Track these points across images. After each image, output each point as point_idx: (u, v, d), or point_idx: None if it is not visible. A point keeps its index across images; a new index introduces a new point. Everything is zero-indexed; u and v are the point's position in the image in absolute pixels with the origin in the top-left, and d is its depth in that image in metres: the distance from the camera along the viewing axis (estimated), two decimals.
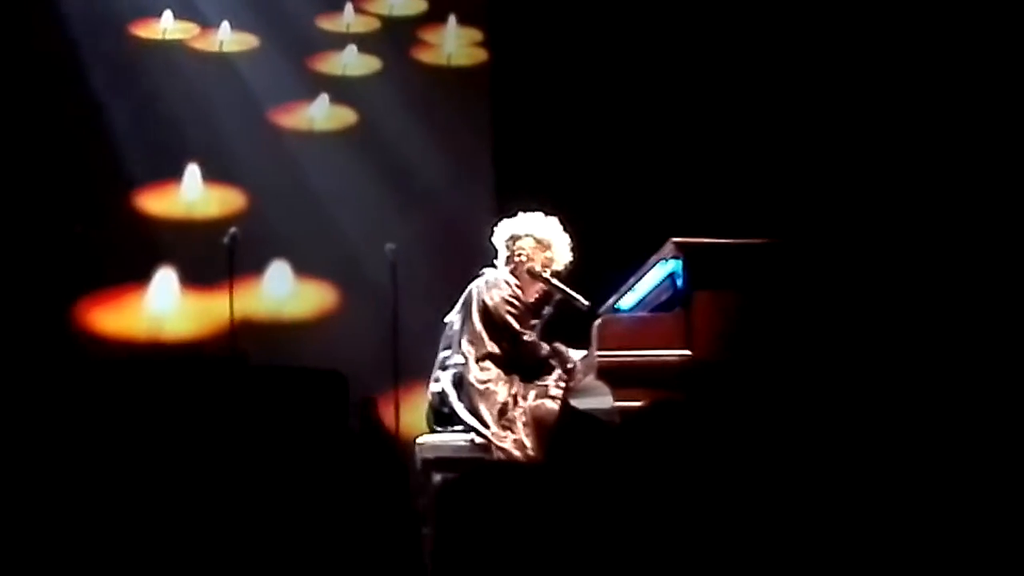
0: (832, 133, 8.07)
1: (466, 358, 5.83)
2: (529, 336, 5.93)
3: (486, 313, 5.90)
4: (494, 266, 6.10)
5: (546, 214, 6.16)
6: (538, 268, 6.04)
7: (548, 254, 6.07)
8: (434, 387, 5.94)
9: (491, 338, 5.86)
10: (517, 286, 5.99)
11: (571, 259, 6.13)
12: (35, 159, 8.33)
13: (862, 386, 5.05)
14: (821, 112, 8.10)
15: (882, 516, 4.69)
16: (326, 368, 7.71)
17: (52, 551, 6.46)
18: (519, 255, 6.05)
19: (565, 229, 6.18)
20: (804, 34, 8.21)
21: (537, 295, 6.09)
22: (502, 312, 5.90)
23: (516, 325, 5.90)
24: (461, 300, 6.02)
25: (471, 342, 5.87)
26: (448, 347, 5.98)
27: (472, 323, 5.89)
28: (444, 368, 5.94)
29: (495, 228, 6.16)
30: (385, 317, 7.41)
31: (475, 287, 5.99)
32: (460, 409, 5.77)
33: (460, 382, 5.83)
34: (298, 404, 7.43)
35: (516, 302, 5.95)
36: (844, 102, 8.10)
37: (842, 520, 4.58)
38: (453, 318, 6.01)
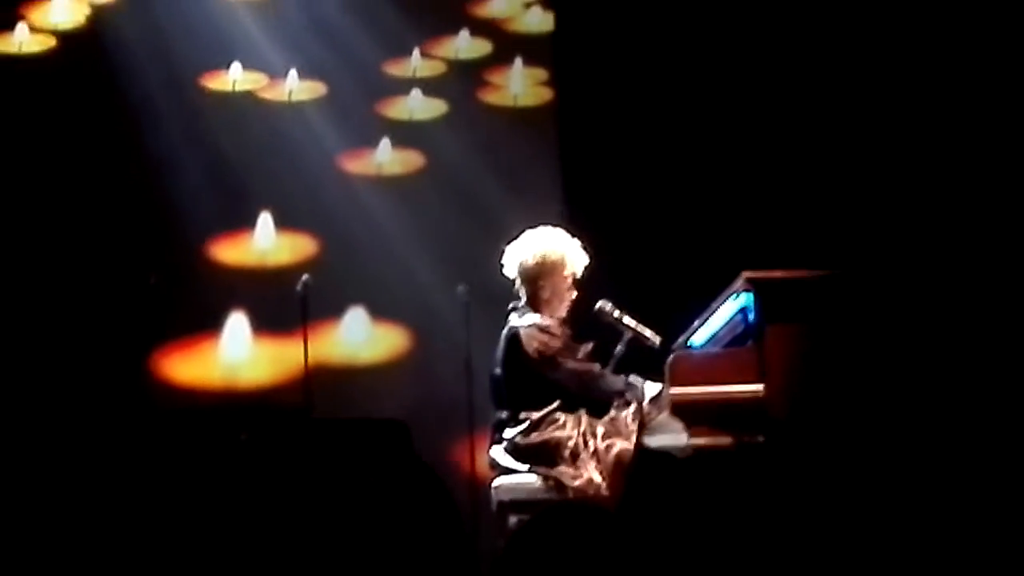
0: (907, 162, 7.99)
1: (524, 418, 5.67)
2: (598, 369, 5.78)
3: (538, 369, 5.71)
4: (519, 298, 5.94)
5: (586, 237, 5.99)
6: (565, 288, 5.85)
7: (567, 272, 5.85)
8: (494, 451, 5.82)
9: (552, 391, 5.67)
10: (551, 325, 5.79)
11: (587, 260, 5.90)
12: (110, 211, 8.44)
13: (938, 415, 4.97)
14: (894, 141, 8.02)
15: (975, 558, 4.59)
16: (392, 416, 7.73)
17: None
18: (541, 287, 5.87)
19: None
20: (871, 73, 8.14)
21: (568, 308, 5.88)
22: (559, 361, 5.71)
23: (578, 366, 5.76)
24: (501, 354, 5.82)
25: (531, 404, 5.68)
26: (500, 405, 5.82)
27: (527, 383, 5.71)
28: (502, 429, 5.81)
29: (503, 259, 5.94)
30: (460, 359, 7.40)
31: (513, 339, 5.78)
32: (529, 469, 5.64)
33: (523, 444, 5.69)
34: (359, 456, 7.44)
35: (561, 344, 5.74)
36: (920, 132, 8.01)
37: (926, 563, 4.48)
38: (499, 373, 5.84)
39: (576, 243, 5.94)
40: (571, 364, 5.75)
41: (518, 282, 5.93)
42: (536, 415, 5.67)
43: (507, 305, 6.15)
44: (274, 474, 6.98)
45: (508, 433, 5.75)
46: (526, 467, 5.66)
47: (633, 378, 5.79)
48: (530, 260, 5.88)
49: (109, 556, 6.90)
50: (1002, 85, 7.84)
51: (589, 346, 5.84)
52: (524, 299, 5.91)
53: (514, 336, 5.77)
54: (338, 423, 7.48)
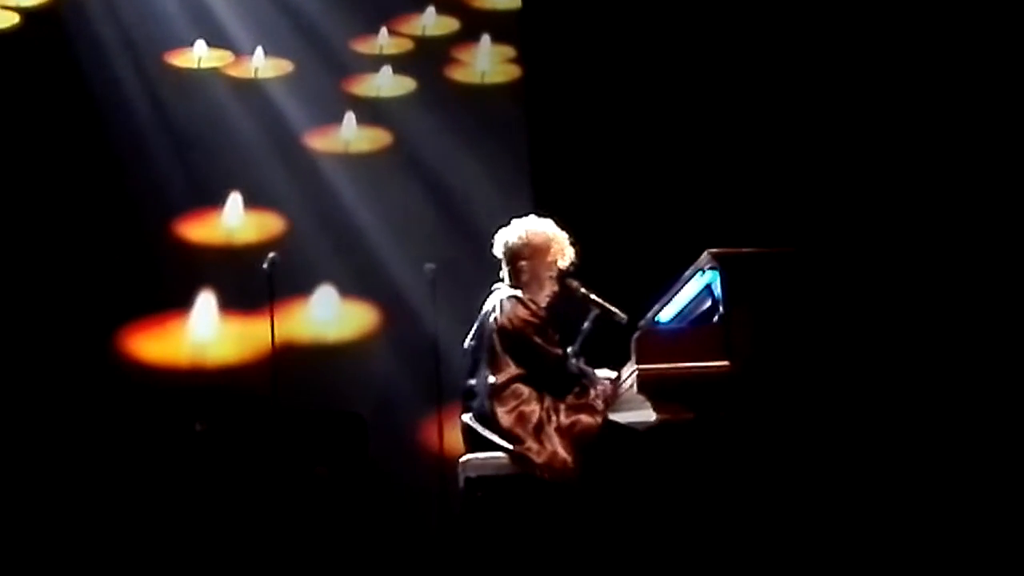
0: (870, 141, 8.03)
1: (492, 386, 5.78)
2: (559, 351, 5.86)
3: (507, 337, 5.83)
4: (502, 280, 6.04)
5: (570, 223, 6.05)
6: (546, 275, 5.97)
7: (549, 258, 5.97)
8: (465, 417, 5.90)
9: (516, 361, 5.79)
10: (531, 301, 5.92)
11: (573, 255, 6.01)
12: (79, 190, 8.40)
13: (898, 390, 5.02)
14: (854, 120, 8.06)
15: (923, 535, 4.64)
16: (359, 394, 7.79)
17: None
18: (522, 267, 5.97)
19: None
20: (835, 51, 8.18)
21: (548, 298, 6.02)
22: (527, 334, 5.82)
23: (545, 344, 5.83)
24: (477, 324, 5.96)
25: (496, 369, 5.80)
26: (472, 375, 5.92)
27: (494, 349, 5.82)
28: (471, 397, 5.90)
29: (493, 241, 6.07)
30: (428, 337, 7.41)
31: (491, 311, 5.92)
32: (494, 438, 5.73)
33: (488, 411, 5.78)
34: (317, 447, 7.54)
35: (537, 320, 5.86)
36: (881, 110, 8.06)
37: (876, 533, 4.53)
38: (472, 343, 5.96)
39: (564, 235, 6.05)
40: (543, 341, 5.84)
41: (503, 261, 6.01)
42: (502, 378, 5.75)
43: (474, 284, 6.22)
44: (232, 461, 7.04)
45: (473, 403, 5.83)
46: (494, 436, 5.72)
47: (581, 363, 5.87)
48: (514, 239, 6.03)
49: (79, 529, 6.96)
50: (959, 71, 7.90)
51: (556, 337, 5.94)
52: (506, 279, 6.00)
53: (496, 305, 5.88)
54: (298, 413, 7.53)
